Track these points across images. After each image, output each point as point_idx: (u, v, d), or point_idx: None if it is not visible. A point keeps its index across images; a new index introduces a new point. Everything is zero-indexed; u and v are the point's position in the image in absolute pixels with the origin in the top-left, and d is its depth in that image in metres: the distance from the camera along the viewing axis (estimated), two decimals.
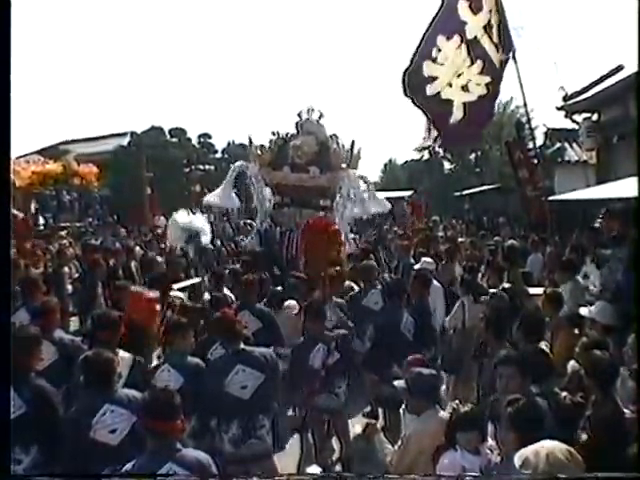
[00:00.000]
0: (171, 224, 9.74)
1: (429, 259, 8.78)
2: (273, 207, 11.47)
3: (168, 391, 3.76)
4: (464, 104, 10.62)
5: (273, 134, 11.55)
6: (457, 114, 10.45)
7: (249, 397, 4.73)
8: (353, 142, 11.45)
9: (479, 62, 10.85)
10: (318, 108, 11.58)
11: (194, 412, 4.56)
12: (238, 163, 11.70)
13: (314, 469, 5.69)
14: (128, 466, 3.29)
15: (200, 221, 9.44)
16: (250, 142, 11.65)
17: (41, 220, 21.64)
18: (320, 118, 11.52)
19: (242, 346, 4.90)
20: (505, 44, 11.38)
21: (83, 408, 3.92)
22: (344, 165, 11.22)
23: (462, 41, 10.45)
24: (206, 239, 9.54)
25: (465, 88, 10.69)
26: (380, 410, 6.62)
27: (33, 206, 21.53)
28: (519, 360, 4.10)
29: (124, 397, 3.94)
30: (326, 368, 5.66)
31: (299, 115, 11.54)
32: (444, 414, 4.03)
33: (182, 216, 9.32)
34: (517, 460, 2.76)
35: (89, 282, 8.51)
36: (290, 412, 6.02)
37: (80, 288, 8.72)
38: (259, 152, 11.38)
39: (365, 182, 11.48)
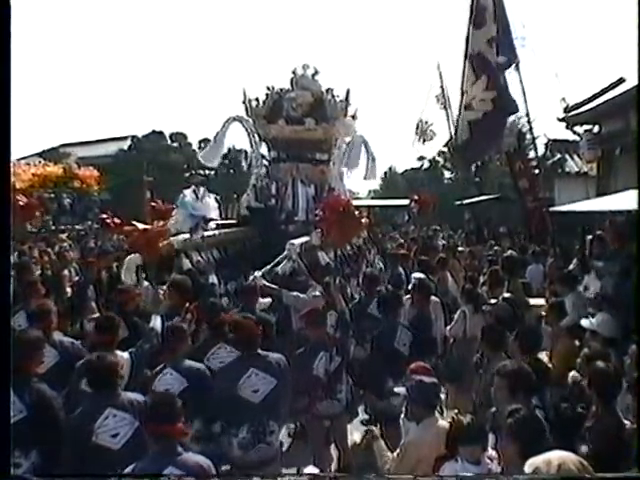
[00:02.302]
0: (179, 206, 8.96)
1: (420, 274, 8.40)
2: (269, 162, 11.25)
3: (169, 394, 3.77)
4: (469, 123, 10.57)
5: (268, 89, 11.25)
6: (462, 134, 10.42)
7: (259, 401, 4.72)
8: (348, 91, 11.23)
9: (484, 77, 10.82)
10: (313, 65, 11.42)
11: (197, 416, 4.55)
12: (232, 116, 11.22)
13: (311, 469, 5.67)
14: (129, 469, 3.28)
15: (208, 205, 8.95)
16: (244, 95, 11.19)
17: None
18: (315, 74, 11.33)
19: (257, 350, 4.89)
20: (506, 52, 11.40)
21: (86, 412, 3.91)
22: (340, 116, 11.01)
23: (465, 57, 10.44)
24: (213, 224, 9.12)
25: (469, 107, 10.67)
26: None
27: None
28: (509, 372, 4.09)
29: (127, 401, 3.93)
30: (328, 374, 5.68)
31: (294, 72, 11.31)
32: (443, 422, 4.03)
33: (190, 199, 8.80)
34: (527, 468, 2.72)
35: (80, 285, 8.46)
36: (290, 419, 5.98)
37: (72, 291, 8.65)
38: (253, 105, 11.06)
39: (362, 139, 11.31)
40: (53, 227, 20.62)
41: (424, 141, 20.61)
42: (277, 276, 7.54)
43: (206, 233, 8.71)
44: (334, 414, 5.80)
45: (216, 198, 9.49)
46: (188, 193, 8.88)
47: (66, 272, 9.58)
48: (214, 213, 9.01)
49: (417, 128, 19.96)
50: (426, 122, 20.03)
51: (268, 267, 7.76)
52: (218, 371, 4.97)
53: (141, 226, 6.58)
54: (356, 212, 8.26)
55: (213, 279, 7.74)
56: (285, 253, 7.85)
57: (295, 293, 7.11)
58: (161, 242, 6.29)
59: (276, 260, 7.86)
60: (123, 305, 6.16)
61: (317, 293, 7.10)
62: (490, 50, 11.39)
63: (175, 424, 3.35)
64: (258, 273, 7.44)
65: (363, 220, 9.70)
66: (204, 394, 4.62)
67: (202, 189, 9.16)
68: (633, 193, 7.82)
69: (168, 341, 4.95)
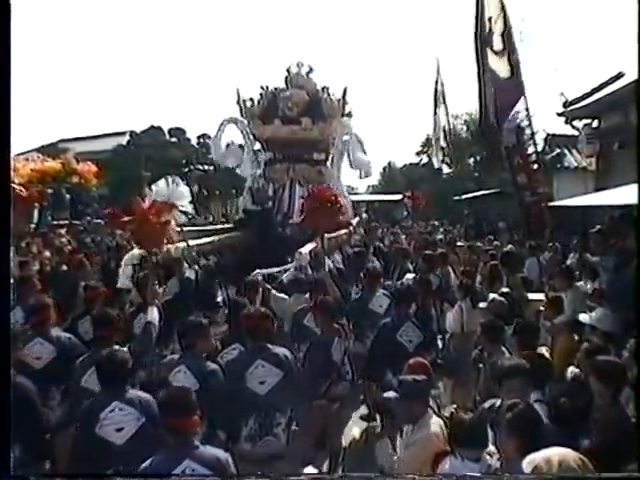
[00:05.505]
0: (148, 197, 9.09)
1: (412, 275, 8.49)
2: (265, 163, 11.03)
3: (184, 388, 3.76)
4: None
5: (262, 88, 11.00)
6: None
7: (265, 393, 4.73)
8: (345, 90, 11.04)
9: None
10: (308, 63, 11.21)
11: (205, 417, 4.51)
12: (227, 117, 11.06)
13: (311, 469, 5.65)
14: (146, 463, 3.25)
15: (176, 192, 8.91)
16: (238, 96, 10.92)
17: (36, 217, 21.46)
18: (310, 72, 11.12)
19: (264, 343, 4.90)
20: (513, 49, 11.40)
21: (93, 404, 3.88)
22: (337, 114, 10.80)
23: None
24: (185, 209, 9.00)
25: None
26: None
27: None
28: (525, 371, 4.02)
29: (135, 398, 3.89)
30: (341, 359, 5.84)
31: (288, 70, 11.08)
32: (437, 418, 4.05)
33: (161, 188, 8.79)
34: (527, 466, 2.67)
35: (70, 281, 8.39)
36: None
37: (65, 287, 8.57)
38: (248, 105, 10.83)
39: (358, 138, 11.11)
40: (53, 222, 20.58)
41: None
42: (282, 284, 7.50)
43: (203, 240, 8.67)
44: (342, 396, 5.86)
45: (190, 187, 9.37)
46: (161, 182, 8.82)
47: (64, 268, 9.54)
48: (181, 200, 8.91)
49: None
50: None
51: (273, 270, 7.71)
52: (226, 364, 4.98)
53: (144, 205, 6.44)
54: (338, 204, 8.20)
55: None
56: (294, 263, 7.75)
57: (282, 295, 7.11)
58: (164, 236, 6.23)
59: (283, 267, 7.80)
60: (89, 302, 6.16)
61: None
62: (487, 47, 11.45)
63: (191, 417, 3.35)
64: (259, 271, 7.42)
65: (345, 212, 9.57)
66: (214, 396, 4.56)
67: (176, 178, 9.08)
68: (632, 188, 7.81)
69: (185, 336, 4.90)
